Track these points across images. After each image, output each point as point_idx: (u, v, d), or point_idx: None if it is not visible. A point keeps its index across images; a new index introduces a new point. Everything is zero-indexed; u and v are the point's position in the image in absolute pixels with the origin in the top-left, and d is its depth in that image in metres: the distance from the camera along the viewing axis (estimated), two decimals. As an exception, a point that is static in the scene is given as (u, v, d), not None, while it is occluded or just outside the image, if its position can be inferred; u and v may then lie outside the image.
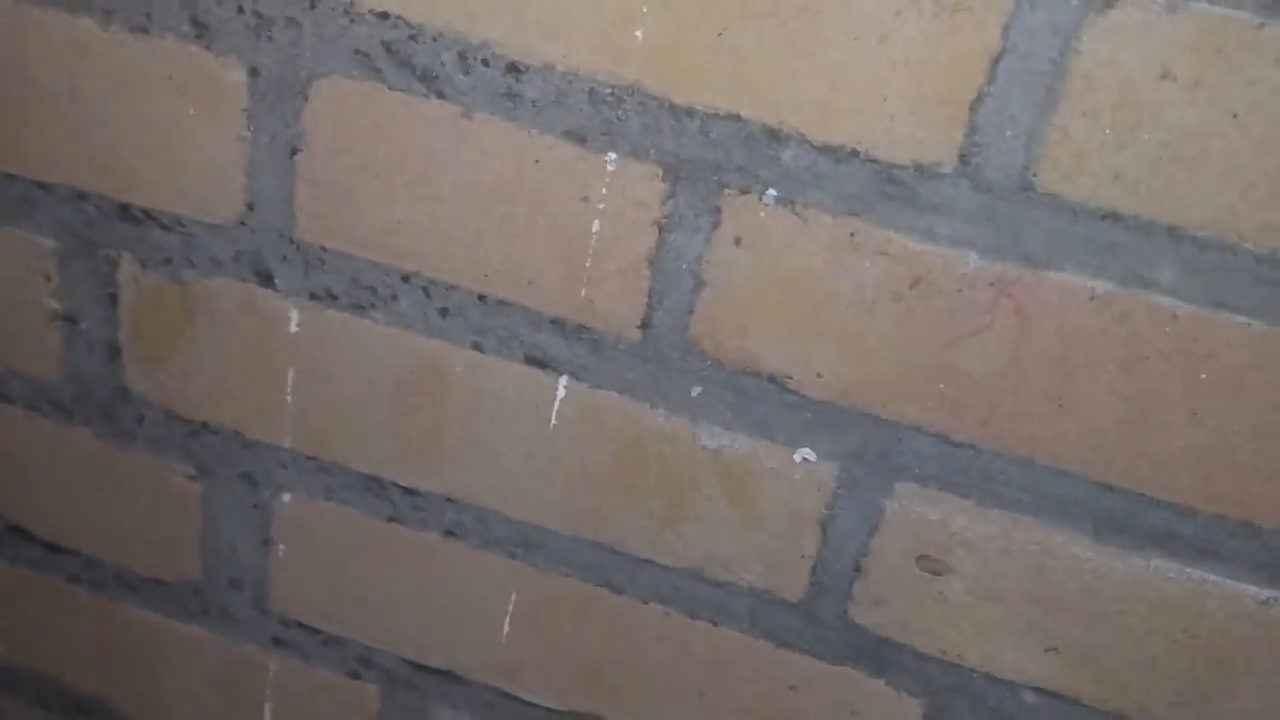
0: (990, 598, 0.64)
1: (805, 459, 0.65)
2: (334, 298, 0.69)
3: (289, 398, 0.72)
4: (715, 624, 0.70)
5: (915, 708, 0.68)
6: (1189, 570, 0.61)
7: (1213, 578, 0.60)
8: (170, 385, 0.75)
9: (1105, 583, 0.62)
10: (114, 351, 0.75)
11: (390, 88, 0.63)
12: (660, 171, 0.61)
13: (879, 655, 0.68)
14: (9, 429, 0.79)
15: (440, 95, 0.63)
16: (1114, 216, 0.56)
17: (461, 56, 0.61)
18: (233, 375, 0.73)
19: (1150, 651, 0.63)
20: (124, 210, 0.71)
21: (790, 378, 0.63)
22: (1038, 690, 0.65)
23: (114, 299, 0.73)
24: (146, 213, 0.70)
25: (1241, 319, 0.55)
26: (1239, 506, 0.59)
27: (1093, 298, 0.57)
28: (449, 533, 0.73)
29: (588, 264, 0.64)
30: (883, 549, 0.65)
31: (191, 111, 0.67)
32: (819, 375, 0.63)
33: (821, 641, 0.68)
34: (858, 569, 0.66)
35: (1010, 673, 0.66)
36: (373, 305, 0.69)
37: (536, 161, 0.62)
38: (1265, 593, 0.60)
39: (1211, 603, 0.61)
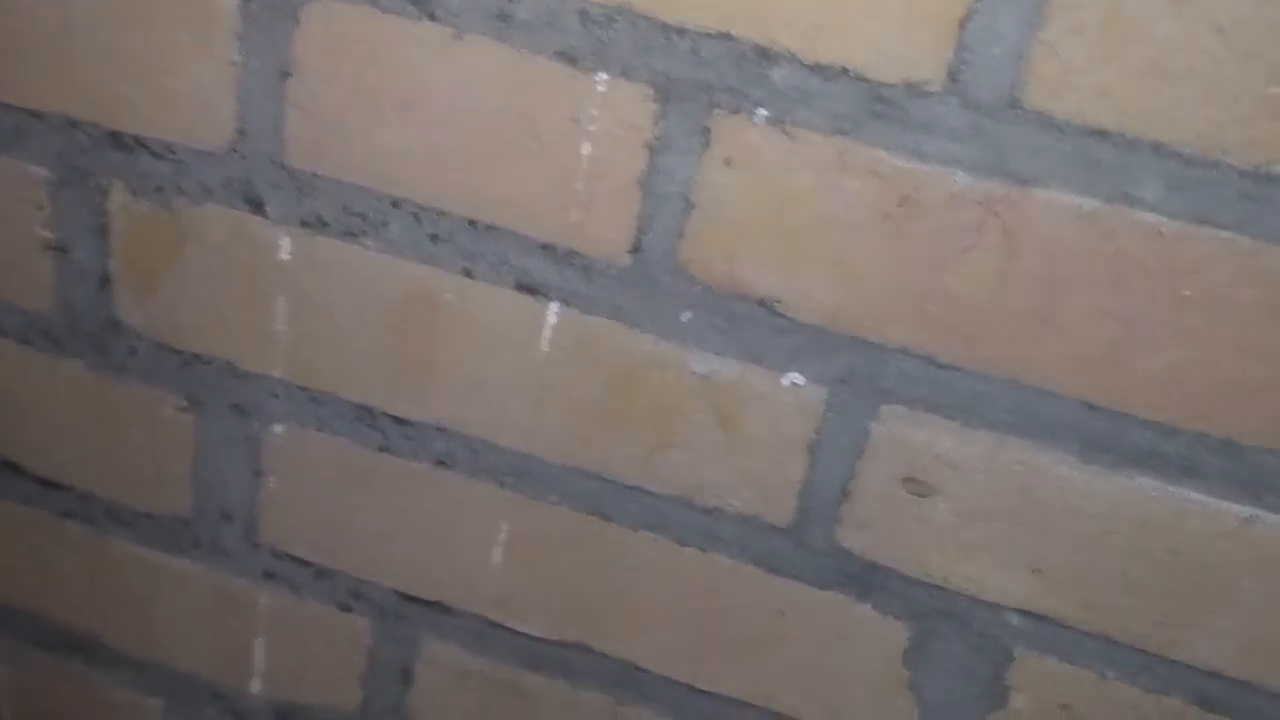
0: (976, 519, 0.65)
1: (794, 383, 0.65)
2: (325, 225, 0.69)
3: (280, 327, 0.73)
4: (704, 550, 0.71)
5: (901, 631, 0.69)
6: (1172, 489, 0.61)
7: (1195, 496, 0.61)
8: (161, 316, 0.75)
9: (1090, 502, 0.63)
10: (105, 281, 0.75)
11: (382, 10, 0.63)
12: (651, 92, 0.61)
13: (865, 579, 0.68)
14: (0, 362, 0.80)
15: (432, 17, 0.63)
16: (1100, 133, 0.56)
17: (453, -24, 0.61)
18: (224, 305, 0.73)
19: (1134, 572, 0.63)
20: (115, 138, 0.71)
21: (779, 301, 0.64)
22: (1023, 612, 0.66)
23: (105, 229, 0.73)
24: (138, 140, 0.70)
25: (1225, 234, 0.56)
26: (1221, 425, 0.59)
27: (1079, 215, 0.58)
28: (439, 462, 0.74)
29: (578, 187, 0.64)
30: (869, 472, 0.66)
31: (183, 38, 0.67)
32: (808, 299, 0.63)
33: (809, 566, 0.69)
34: (845, 493, 0.67)
35: (995, 595, 0.66)
36: (363, 232, 0.69)
37: (527, 83, 0.63)
38: (1247, 510, 0.61)
39: (1194, 522, 0.62)
